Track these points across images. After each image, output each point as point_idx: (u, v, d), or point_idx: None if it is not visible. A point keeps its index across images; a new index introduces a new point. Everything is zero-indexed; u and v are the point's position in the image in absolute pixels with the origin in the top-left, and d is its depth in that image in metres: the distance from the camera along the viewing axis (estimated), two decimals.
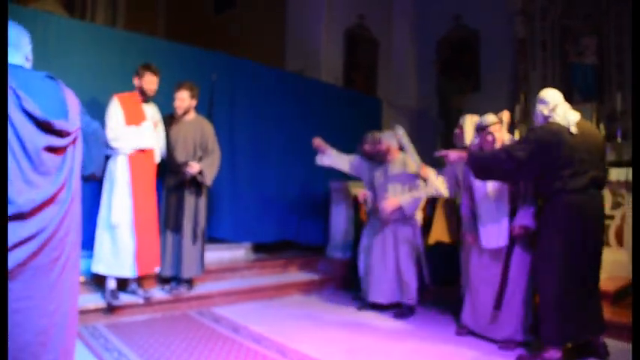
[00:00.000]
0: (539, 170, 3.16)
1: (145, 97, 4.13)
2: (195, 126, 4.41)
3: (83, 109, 2.12)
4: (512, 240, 3.52)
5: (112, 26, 9.69)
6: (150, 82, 4.10)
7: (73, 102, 1.98)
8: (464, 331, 3.80)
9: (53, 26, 4.18)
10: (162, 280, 4.42)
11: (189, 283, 4.43)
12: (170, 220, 4.33)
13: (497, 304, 3.54)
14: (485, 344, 3.57)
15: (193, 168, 4.22)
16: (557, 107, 3.24)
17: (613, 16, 6.84)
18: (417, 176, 4.33)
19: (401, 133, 4.47)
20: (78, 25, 4.64)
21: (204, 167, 4.30)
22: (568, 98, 7.58)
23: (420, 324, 4.11)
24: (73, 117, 1.91)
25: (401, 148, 4.52)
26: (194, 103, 4.38)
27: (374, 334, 3.81)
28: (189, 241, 4.30)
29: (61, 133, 1.82)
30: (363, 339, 3.66)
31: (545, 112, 3.27)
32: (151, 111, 4.21)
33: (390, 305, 4.43)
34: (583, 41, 7.09)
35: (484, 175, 3.38)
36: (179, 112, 4.33)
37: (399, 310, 4.35)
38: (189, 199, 4.34)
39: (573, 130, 3.13)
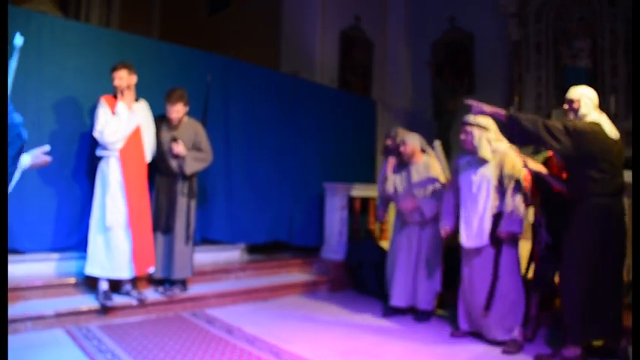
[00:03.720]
0: (575, 157, 3.14)
1: (117, 94, 4.05)
2: (189, 128, 4.43)
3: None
4: (500, 241, 3.55)
5: (106, 27, 9.67)
6: (115, 78, 4.02)
7: None
8: (459, 332, 3.81)
9: (47, 26, 4.16)
10: (155, 282, 4.40)
11: (184, 284, 4.42)
12: (161, 222, 4.31)
13: (488, 305, 3.56)
14: (479, 346, 3.58)
15: (179, 146, 4.24)
16: (595, 108, 3.27)
17: (607, 18, 6.88)
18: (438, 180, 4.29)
19: (437, 146, 4.40)
20: (72, 25, 4.61)
21: (188, 156, 4.32)
22: (562, 100, 7.60)
23: (415, 326, 4.12)
24: None
25: (423, 151, 4.45)
26: (187, 108, 4.39)
27: (368, 335, 3.81)
28: (181, 243, 4.30)
29: None
30: (357, 340, 3.66)
31: (584, 110, 3.24)
32: (142, 110, 4.19)
33: (409, 308, 4.38)
34: (577, 44, 7.13)
35: (519, 138, 3.30)
36: (175, 122, 4.33)
37: (416, 315, 4.29)
38: (181, 201, 4.34)
39: (612, 133, 3.15)
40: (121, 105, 4.01)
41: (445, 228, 3.94)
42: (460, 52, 8.65)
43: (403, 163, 4.49)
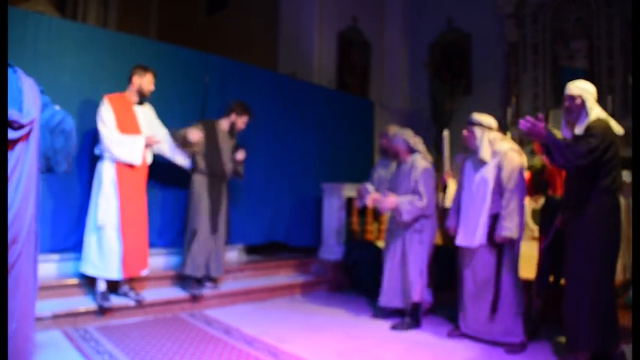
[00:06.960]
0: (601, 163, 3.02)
1: (141, 98, 4.10)
2: (227, 134, 4.67)
3: (47, 100, 1.94)
4: (498, 244, 3.54)
5: (103, 27, 9.66)
6: (150, 82, 4.12)
7: (30, 92, 1.75)
8: (456, 332, 3.80)
9: (44, 27, 4.15)
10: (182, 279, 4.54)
11: (214, 281, 4.71)
12: (208, 224, 4.43)
13: (494, 307, 3.54)
14: (478, 346, 3.58)
15: (242, 154, 4.59)
16: (595, 102, 3.19)
17: (603, 19, 6.91)
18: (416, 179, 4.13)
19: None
20: (69, 25, 4.60)
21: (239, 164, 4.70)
22: (559, 101, 7.60)
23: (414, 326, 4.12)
24: (29, 108, 1.69)
25: (411, 151, 4.29)
26: None
27: (366, 336, 3.81)
28: (223, 242, 4.58)
29: (11, 125, 1.63)
30: (355, 340, 3.66)
31: (590, 104, 3.15)
32: (145, 113, 4.18)
33: (399, 310, 4.29)
34: (574, 45, 7.16)
35: (555, 156, 3.10)
36: (238, 132, 4.66)
37: (407, 318, 4.15)
38: (224, 202, 4.58)
39: (619, 130, 3.10)
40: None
41: (449, 227, 3.90)
42: (457, 53, 8.68)
43: (390, 159, 4.43)
